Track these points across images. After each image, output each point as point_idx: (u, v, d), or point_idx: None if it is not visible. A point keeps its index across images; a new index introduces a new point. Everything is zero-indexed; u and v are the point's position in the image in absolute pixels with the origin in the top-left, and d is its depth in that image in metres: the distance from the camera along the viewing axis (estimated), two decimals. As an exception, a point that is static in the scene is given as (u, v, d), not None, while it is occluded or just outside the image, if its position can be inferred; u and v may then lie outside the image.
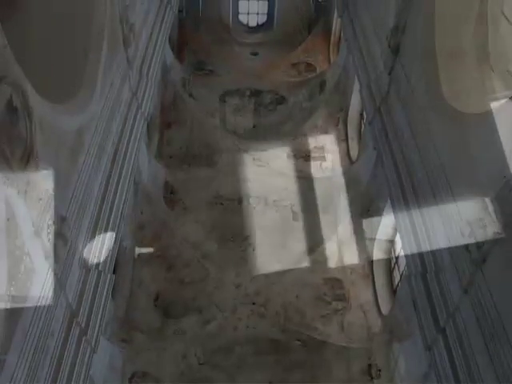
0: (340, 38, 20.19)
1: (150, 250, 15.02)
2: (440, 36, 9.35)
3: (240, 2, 23.72)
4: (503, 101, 7.21)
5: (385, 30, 12.17)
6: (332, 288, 14.80)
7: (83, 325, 8.08)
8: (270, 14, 23.94)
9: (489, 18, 8.54)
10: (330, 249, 15.50)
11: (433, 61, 9.39)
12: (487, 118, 7.41)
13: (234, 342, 13.71)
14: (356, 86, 16.06)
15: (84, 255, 8.50)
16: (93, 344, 8.30)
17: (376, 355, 13.22)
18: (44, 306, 6.81)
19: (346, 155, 18.20)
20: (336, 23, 20.70)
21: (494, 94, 7.70)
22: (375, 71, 13.01)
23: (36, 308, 6.61)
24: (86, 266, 8.48)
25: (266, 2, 23.74)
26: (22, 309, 6.26)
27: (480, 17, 8.68)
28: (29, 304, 6.41)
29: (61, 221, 7.44)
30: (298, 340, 13.84)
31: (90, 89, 9.06)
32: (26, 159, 6.21)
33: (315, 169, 18.26)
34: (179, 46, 21.17)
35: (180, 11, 19.52)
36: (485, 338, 7.14)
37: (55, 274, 7.15)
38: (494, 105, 7.43)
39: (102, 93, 9.61)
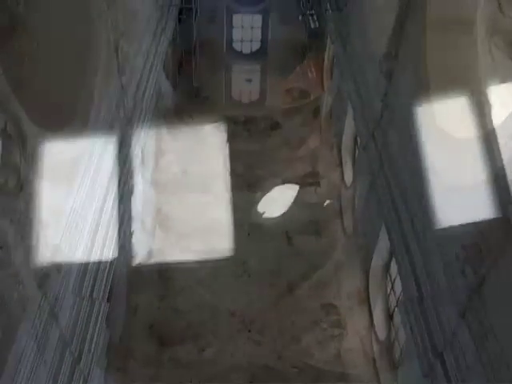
0: (333, 63, 20.34)
1: (144, 276, 14.92)
2: (431, 61, 9.44)
3: (234, 30, 23.95)
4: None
5: (377, 56, 12.27)
6: (328, 314, 14.71)
7: (76, 354, 7.99)
8: (263, 41, 24.16)
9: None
10: (326, 274, 15.45)
11: (425, 86, 9.46)
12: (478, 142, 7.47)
13: (230, 369, 13.58)
14: (350, 112, 16.13)
15: (77, 283, 8.43)
16: (86, 373, 8.21)
17: (373, 382, 13.10)
18: (36, 335, 6.73)
19: (341, 180, 18.22)
20: (329, 49, 20.88)
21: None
22: (368, 97, 13.08)
23: (28, 337, 6.53)
24: (79, 295, 8.40)
25: (260, 29, 23.97)
26: (14, 337, 6.19)
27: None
28: (21, 333, 6.33)
29: (54, 249, 7.39)
30: (295, 367, 13.72)
31: (84, 117, 9.07)
32: (20, 187, 6.19)
33: (310, 194, 18.27)
34: (173, 72, 21.28)
35: (174, 39, 19.65)
36: (483, 363, 7.08)
37: (48, 303, 7.08)
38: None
39: (96, 121, 9.62)
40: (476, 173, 7.52)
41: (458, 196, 8.19)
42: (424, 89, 9.45)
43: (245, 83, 23.29)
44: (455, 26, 8.85)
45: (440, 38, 9.17)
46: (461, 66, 8.71)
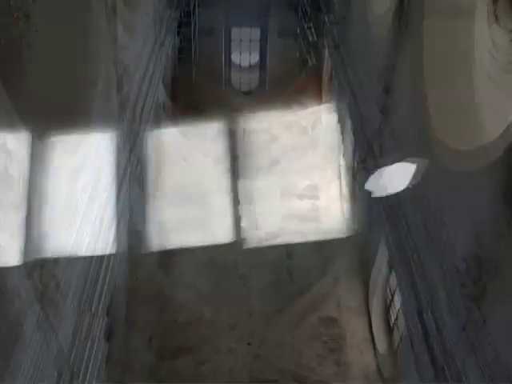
0: (332, 76, 20.41)
1: (143, 290, 14.86)
2: (429, 76, 9.48)
3: (232, 43, 24.04)
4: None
5: (376, 69, 12.31)
6: (328, 327, 14.64)
7: (75, 368, 7.94)
8: (262, 54, 24.24)
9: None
10: (325, 287, 15.40)
11: (423, 99, 9.49)
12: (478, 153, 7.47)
13: (230, 383, 13.50)
14: (348, 124, 16.17)
15: (77, 296, 8.40)
16: (85, 388, 8.15)
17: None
18: (35, 350, 6.69)
19: (340, 193, 18.22)
20: (327, 61, 20.96)
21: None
22: (367, 110, 13.11)
23: (27, 351, 6.49)
24: (78, 309, 8.37)
25: (258, 42, 24.06)
26: (12, 352, 6.15)
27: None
28: (19, 347, 6.30)
29: (54, 262, 7.37)
30: (295, 380, 13.64)
31: (82, 130, 9.08)
32: (20, 201, 6.18)
33: (309, 207, 18.25)
34: (172, 85, 21.34)
35: (173, 52, 19.76)
36: (483, 375, 7.04)
37: (47, 316, 7.05)
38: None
39: (95, 134, 9.63)
40: (477, 183, 7.52)
41: (455, 207, 8.19)
42: (423, 99, 9.49)
43: (243, 96, 23.36)
44: (454, 14, 8.76)
45: (439, 26, 9.14)
46: (460, 57, 8.64)
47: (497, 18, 7.94)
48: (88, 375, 8.27)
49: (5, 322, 5.93)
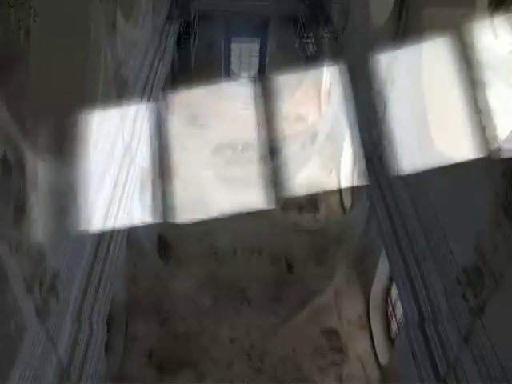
0: (331, 88, 20.47)
1: (143, 303, 14.82)
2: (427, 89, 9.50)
3: (232, 57, 24.17)
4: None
5: (375, 81, 12.34)
6: (329, 340, 14.59)
7: (74, 382, 7.89)
8: (261, 67, 24.34)
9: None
10: (326, 300, 15.36)
11: (422, 108, 9.51)
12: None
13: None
14: (348, 136, 16.18)
15: (76, 310, 8.36)
16: (85, 402, 8.09)
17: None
18: (34, 363, 6.66)
19: (340, 206, 18.21)
20: (326, 74, 21.03)
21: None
22: (367, 121, 13.12)
23: (26, 365, 6.46)
24: (78, 322, 8.33)
25: (257, 56, 24.18)
26: (11, 366, 6.12)
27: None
28: (19, 361, 6.26)
29: (53, 275, 7.35)
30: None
31: (83, 143, 9.08)
32: (19, 215, 6.17)
33: (309, 220, 18.24)
34: (171, 99, 21.38)
35: (173, 66, 19.81)
36: (487, 388, 7.00)
37: (46, 330, 7.02)
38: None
39: (95, 147, 9.63)
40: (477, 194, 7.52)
41: (457, 219, 8.18)
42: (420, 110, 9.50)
43: (242, 109, 23.38)
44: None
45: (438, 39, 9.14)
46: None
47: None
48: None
49: (4, 336, 5.90)
